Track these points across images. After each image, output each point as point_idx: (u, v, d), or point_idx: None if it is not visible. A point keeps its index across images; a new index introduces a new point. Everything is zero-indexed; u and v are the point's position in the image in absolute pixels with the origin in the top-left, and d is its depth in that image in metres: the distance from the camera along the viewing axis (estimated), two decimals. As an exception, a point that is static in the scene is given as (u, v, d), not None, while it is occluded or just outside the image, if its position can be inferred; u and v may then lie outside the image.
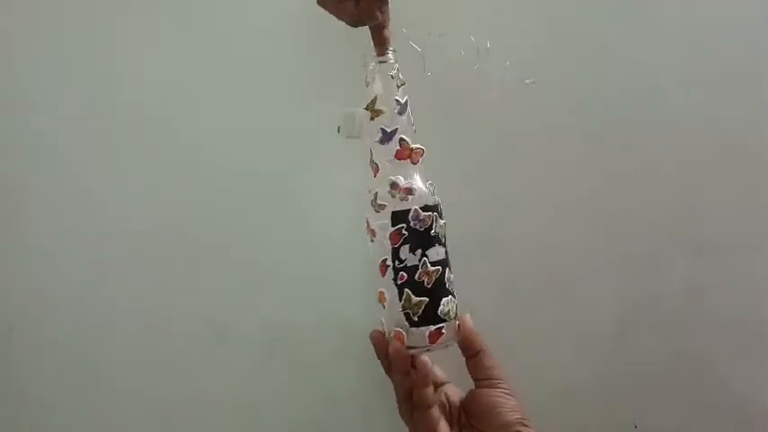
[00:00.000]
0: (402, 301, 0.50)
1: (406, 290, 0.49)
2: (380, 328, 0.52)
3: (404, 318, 0.50)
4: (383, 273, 0.50)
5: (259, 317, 0.62)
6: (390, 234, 0.50)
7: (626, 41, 0.63)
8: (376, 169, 0.52)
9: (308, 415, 0.63)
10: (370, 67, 0.51)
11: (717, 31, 0.63)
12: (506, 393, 0.51)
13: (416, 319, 0.49)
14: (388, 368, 0.51)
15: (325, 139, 0.62)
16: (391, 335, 0.50)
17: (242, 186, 0.63)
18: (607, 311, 0.64)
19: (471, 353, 0.52)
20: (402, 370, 0.49)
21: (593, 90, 0.63)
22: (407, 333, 0.49)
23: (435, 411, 0.50)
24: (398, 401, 0.51)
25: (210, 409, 0.62)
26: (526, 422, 0.49)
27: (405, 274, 0.50)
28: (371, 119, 0.51)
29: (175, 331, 0.62)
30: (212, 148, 0.63)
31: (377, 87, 0.51)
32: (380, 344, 0.51)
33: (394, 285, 0.50)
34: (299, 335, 0.62)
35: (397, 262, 0.50)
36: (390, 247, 0.50)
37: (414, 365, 0.50)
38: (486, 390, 0.51)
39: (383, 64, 0.51)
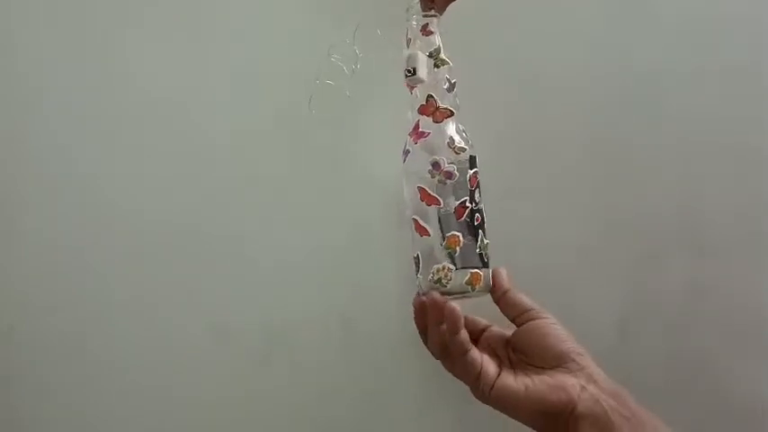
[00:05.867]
0: (478, 242, 0.51)
1: (480, 231, 0.51)
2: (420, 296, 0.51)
3: (478, 259, 0.51)
4: (461, 215, 0.51)
5: (259, 317, 0.62)
6: (470, 176, 0.51)
7: (627, 40, 0.63)
8: (446, 114, 0.52)
9: (307, 415, 0.63)
10: (414, 24, 0.52)
11: (718, 29, 0.63)
12: (552, 323, 0.49)
13: (486, 260, 0.51)
14: (423, 326, 0.51)
15: (326, 140, 0.63)
16: (467, 277, 0.50)
17: (242, 186, 0.63)
18: (608, 311, 0.64)
19: (498, 292, 0.51)
20: (436, 319, 0.49)
21: (594, 89, 0.63)
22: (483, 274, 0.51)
23: (475, 354, 0.48)
24: (442, 362, 0.51)
25: (210, 409, 0.62)
26: (581, 351, 0.48)
27: (479, 216, 0.51)
28: (436, 67, 0.52)
29: (176, 331, 0.62)
30: (213, 149, 0.63)
31: (437, 39, 0.52)
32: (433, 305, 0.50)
33: (469, 227, 0.51)
34: (299, 335, 0.62)
35: (474, 204, 0.51)
36: (468, 190, 0.51)
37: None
38: (530, 323, 0.50)
39: (430, 18, 0.52)
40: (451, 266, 0.50)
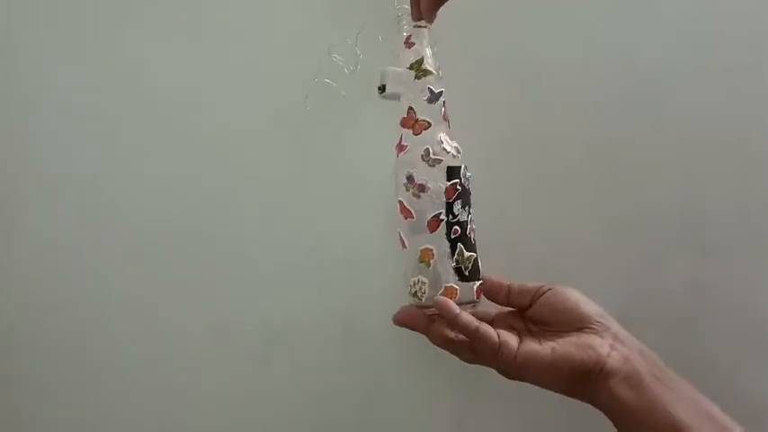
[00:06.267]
0: (455, 256, 0.50)
1: (459, 244, 0.50)
2: (408, 306, 0.51)
3: (454, 273, 0.50)
4: (434, 228, 0.50)
5: (259, 317, 0.62)
6: (447, 188, 0.50)
7: (629, 39, 0.63)
8: (424, 126, 0.51)
9: (307, 415, 0.63)
10: (405, 26, 0.52)
11: (720, 28, 0.63)
12: (568, 288, 0.49)
13: (467, 273, 0.50)
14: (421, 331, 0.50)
15: (326, 140, 0.63)
16: (441, 291, 0.50)
17: (242, 186, 0.63)
18: (609, 310, 0.63)
19: (503, 292, 0.51)
20: (422, 326, 0.49)
21: (596, 88, 0.63)
22: (459, 288, 0.50)
23: (487, 327, 0.47)
24: (458, 356, 0.50)
25: (210, 409, 0.62)
26: (602, 312, 0.48)
27: (458, 229, 0.50)
28: (417, 78, 0.52)
29: (176, 331, 0.62)
30: (213, 149, 0.63)
31: (422, 49, 0.52)
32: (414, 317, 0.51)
33: (446, 241, 0.50)
34: (299, 335, 0.62)
35: (450, 216, 0.50)
36: (444, 202, 0.50)
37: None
38: (547, 293, 0.49)
39: (419, 29, 0.52)
40: (425, 280, 0.50)
